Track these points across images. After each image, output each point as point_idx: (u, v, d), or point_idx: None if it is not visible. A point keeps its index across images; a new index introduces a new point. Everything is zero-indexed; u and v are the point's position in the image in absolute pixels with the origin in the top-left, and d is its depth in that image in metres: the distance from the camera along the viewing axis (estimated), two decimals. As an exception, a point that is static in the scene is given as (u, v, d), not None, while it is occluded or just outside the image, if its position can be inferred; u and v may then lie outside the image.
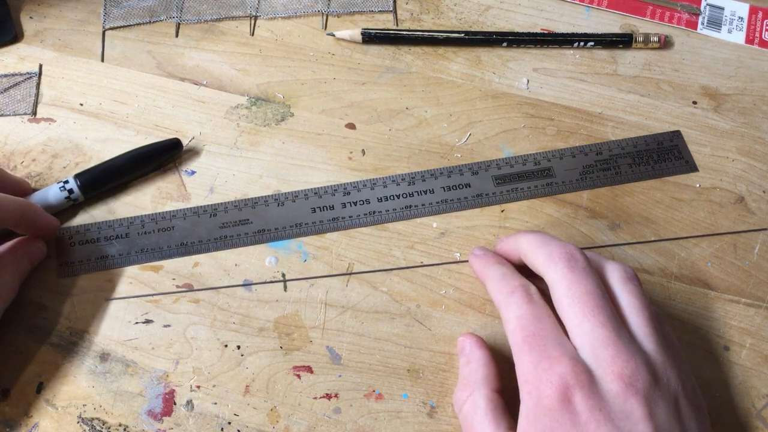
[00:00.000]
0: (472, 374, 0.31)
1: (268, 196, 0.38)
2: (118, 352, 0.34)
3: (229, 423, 0.33)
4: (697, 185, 0.40)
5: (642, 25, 0.46)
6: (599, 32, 0.45)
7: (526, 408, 0.27)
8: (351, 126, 0.41)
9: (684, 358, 0.30)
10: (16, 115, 0.41)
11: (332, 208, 0.38)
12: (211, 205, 0.38)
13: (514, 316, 0.29)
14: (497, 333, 0.35)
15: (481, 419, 0.29)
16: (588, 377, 0.26)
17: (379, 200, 0.38)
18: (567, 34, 0.45)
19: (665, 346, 0.29)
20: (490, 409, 0.29)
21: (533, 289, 0.30)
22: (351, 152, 0.40)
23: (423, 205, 0.38)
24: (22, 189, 0.37)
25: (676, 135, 0.41)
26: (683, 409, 0.27)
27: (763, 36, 0.46)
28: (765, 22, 0.46)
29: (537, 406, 0.27)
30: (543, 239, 0.31)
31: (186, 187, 0.39)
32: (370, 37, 0.44)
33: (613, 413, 0.26)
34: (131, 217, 0.37)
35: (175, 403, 0.33)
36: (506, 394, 0.30)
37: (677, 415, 0.27)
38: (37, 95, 0.41)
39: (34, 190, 0.37)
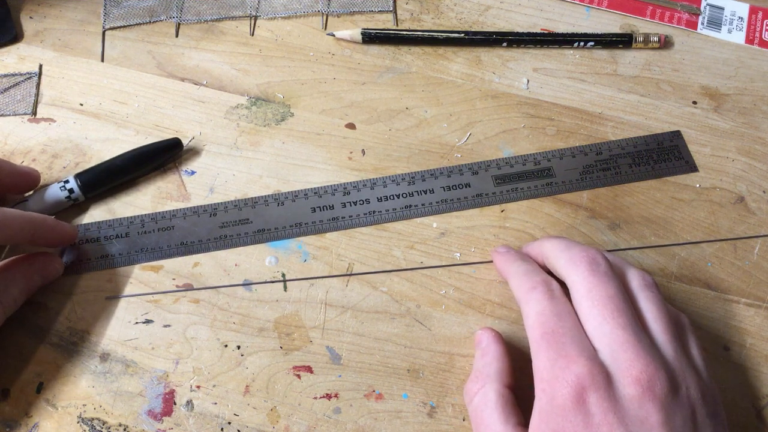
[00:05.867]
0: (486, 367, 0.31)
1: (268, 195, 0.38)
2: (118, 352, 0.34)
3: (229, 423, 0.33)
4: (697, 185, 0.40)
5: (642, 25, 0.46)
6: (599, 32, 0.45)
7: (539, 405, 0.27)
8: (351, 126, 0.41)
9: (708, 367, 0.29)
10: (16, 115, 0.41)
11: (332, 207, 0.38)
12: (211, 204, 0.38)
13: (534, 311, 0.29)
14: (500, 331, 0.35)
15: (490, 412, 0.29)
16: (605, 379, 0.26)
17: (379, 200, 0.38)
18: (567, 34, 0.44)
19: (685, 354, 0.28)
20: (501, 404, 0.29)
21: (555, 285, 0.30)
22: (351, 152, 0.40)
23: (423, 205, 0.38)
24: (31, 180, 0.36)
25: (676, 135, 0.41)
26: (700, 418, 0.27)
27: (763, 36, 0.46)
28: (765, 22, 0.46)
29: (550, 404, 0.27)
30: (566, 243, 0.31)
31: (186, 187, 0.39)
32: (370, 37, 0.44)
33: (627, 417, 0.26)
34: (131, 217, 0.37)
35: (175, 403, 0.33)
36: (518, 392, 0.30)
37: (693, 424, 0.26)
38: (37, 95, 0.41)
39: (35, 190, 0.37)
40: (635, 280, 0.30)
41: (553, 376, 0.27)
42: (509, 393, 0.30)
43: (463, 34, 0.44)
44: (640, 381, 0.26)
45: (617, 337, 0.27)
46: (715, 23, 0.46)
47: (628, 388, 0.26)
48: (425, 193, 0.39)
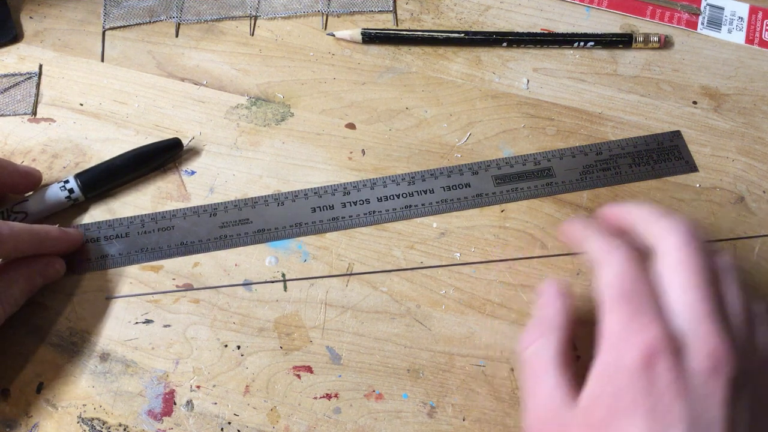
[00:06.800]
0: (549, 318, 0.30)
1: (268, 195, 0.38)
2: (118, 352, 0.34)
3: (229, 423, 0.33)
4: (697, 185, 0.40)
5: (642, 25, 0.46)
6: (599, 32, 0.45)
7: (601, 365, 0.27)
8: (351, 126, 0.41)
9: None
10: (16, 115, 0.41)
11: (332, 207, 0.38)
12: (211, 204, 0.38)
13: (613, 271, 0.28)
14: (497, 333, 0.35)
15: (546, 363, 0.28)
16: (676, 348, 0.25)
17: (379, 200, 0.38)
18: (567, 34, 0.44)
19: (757, 340, 0.28)
20: (559, 354, 0.28)
21: (637, 250, 0.29)
22: (351, 152, 0.40)
23: (423, 205, 0.38)
24: (33, 180, 0.37)
25: (676, 135, 0.41)
26: (761, 405, 0.26)
27: (763, 36, 0.46)
28: (765, 22, 0.46)
29: (616, 364, 0.26)
30: (661, 211, 0.30)
31: (186, 187, 0.39)
32: (370, 37, 0.44)
33: (692, 390, 0.25)
34: (131, 217, 0.37)
35: (175, 403, 0.33)
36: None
37: (757, 406, 0.26)
38: (37, 95, 0.41)
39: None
40: (719, 262, 0.29)
41: (623, 337, 0.26)
42: (569, 347, 0.29)
43: (463, 34, 0.44)
44: (712, 357, 0.25)
45: (698, 309, 0.26)
46: (715, 23, 0.46)
47: (699, 361, 0.25)
48: (425, 193, 0.39)
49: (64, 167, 0.39)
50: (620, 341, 0.26)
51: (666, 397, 0.25)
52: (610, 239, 0.30)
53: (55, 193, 0.36)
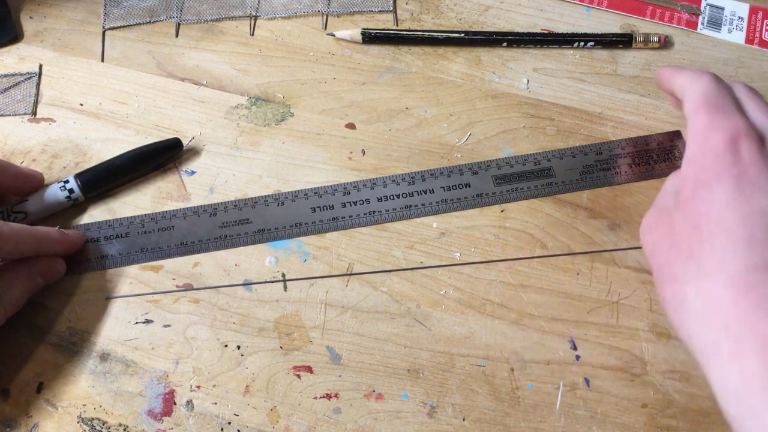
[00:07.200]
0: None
1: (268, 195, 0.38)
2: (118, 352, 0.34)
3: (229, 423, 0.33)
4: (697, 185, 0.40)
5: (642, 25, 0.46)
6: (599, 32, 0.45)
7: (689, 153, 0.31)
8: (351, 126, 0.41)
9: None
10: (16, 115, 0.41)
11: (332, 207, 0.38)
12: (211, 204, 0.38)
13: (700, 89, 0.32)
14: (497, 333, 0.35)
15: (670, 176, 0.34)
16: (759, 135, 0.29)
17: (379, 200, 0.38)
18: (567, 34, 0.44)
19: None
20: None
21: (719, 79, 0.33)
22: (351, 152, 0.40)
23: (423, 205, 0.38)
24: (35, 182, 0.37)
25: (677, 135, 0.41)
26: None
27: (763, 36, 0.46)
28: (765, 22, 0.46)
29: (703, 148, 0.29)
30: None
31: (186, 187, 0.39)
32: (370, 37, 0.44)
33: None
34: (131, 217, 0.37)
35: (175, 403, 0.33)
36: None
37: None
38: (37, 95, 0.41)
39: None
40: None
41: (710, 127, 0.29)
42: None
43: (463, 34, 0.44)
44: None
45: None
46: (715, 23, 0.46)
47: None
48: (425, 193, 0.39)
49: (64, 167, 0.39)
50: (707, 130, 0.30)
51: (751, 169, 0.28)
52: (701, 70, 0.34)
53: (55, 193, 0.36)
